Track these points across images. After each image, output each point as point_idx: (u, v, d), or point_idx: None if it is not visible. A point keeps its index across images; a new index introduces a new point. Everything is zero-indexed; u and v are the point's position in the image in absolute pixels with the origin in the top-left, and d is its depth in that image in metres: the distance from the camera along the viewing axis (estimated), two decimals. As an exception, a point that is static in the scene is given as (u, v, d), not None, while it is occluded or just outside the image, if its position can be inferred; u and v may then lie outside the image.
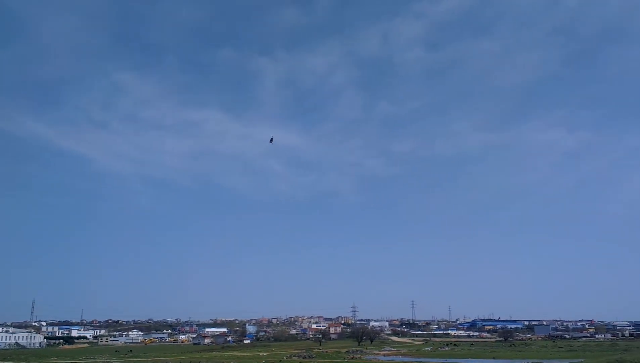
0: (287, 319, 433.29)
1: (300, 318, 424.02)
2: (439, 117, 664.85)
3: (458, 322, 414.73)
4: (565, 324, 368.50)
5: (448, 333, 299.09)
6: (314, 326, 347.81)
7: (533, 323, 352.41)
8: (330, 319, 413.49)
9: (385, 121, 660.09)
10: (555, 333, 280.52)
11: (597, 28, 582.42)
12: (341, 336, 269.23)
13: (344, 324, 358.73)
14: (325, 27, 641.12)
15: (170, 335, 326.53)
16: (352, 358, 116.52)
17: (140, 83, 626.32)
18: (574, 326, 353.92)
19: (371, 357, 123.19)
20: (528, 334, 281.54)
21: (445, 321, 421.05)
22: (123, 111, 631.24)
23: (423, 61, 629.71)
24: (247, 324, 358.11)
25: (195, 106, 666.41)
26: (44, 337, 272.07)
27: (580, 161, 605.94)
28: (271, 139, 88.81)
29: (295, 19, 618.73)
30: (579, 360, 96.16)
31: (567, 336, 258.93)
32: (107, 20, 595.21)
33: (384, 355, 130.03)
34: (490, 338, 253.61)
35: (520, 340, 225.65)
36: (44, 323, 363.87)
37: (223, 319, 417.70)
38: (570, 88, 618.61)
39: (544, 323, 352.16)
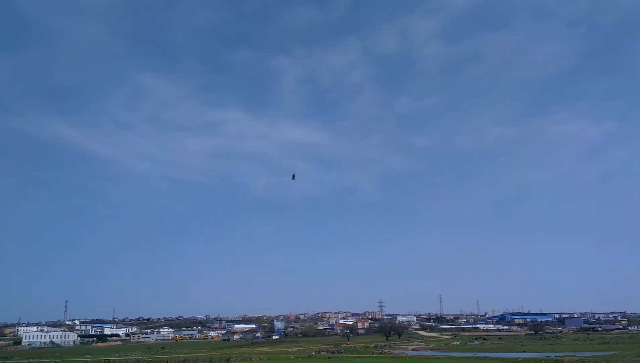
0: (314, 315, 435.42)
1: (327, 314, 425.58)
2: (459, 112, 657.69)
3: (487, 315, 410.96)
4: (597, 316, 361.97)
5: (477, 327, 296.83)
6: (341, 321, 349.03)
7: (564, 316, 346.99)
8: (358, 314, 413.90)
9: (405, 117, 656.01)
10: (587, 325, 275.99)
11: (617, 17, 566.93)
12: (369, 331, 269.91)
13: (371, 319, 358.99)
14: (342, 25, 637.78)
15: (200, 331, 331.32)
16: (380, 353, 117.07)
17: (162, 85, 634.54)
18: (606, 318, 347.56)
19: (400, 351, 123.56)
20: (559, 327, 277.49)
21: (473, 315, 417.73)
22: (146, 113, 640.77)
23: (441, 56, 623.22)
24: (275, 320, 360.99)
25: (216, 106, 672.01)
26: (78, 336, 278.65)
27: (605, 152, 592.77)
28: (293, 176, 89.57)
29: (312, 18, 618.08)
30: (612, 352, 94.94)
31: (599, 328, 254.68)
32: (128, 24, 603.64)
33: (413, 350, 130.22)
34: (520, 331, 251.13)
35: (550, 333, 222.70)
36: (77, 322, 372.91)
37: (251, 315, 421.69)
38: (592, 79, 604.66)
39: (575, 315, 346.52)
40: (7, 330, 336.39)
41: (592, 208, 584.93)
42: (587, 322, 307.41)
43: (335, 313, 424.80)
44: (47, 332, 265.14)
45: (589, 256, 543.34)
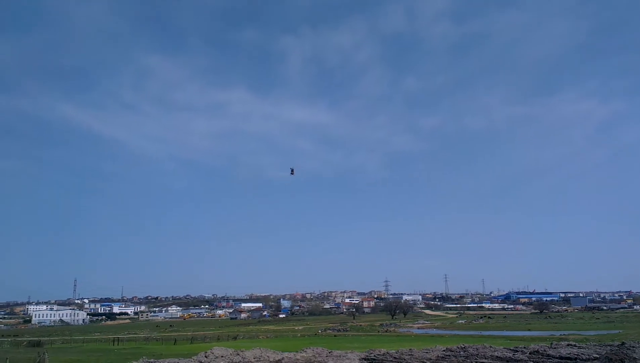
0: (320, 294, 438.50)
1: (333, 293, 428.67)
2: (467, 92, 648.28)
3: (492, 295, 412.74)
4: (602, 295, 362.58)
5: (482, 306, 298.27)
6: (347, 300, 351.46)
7: (569, 295, 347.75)
8: (363, 294, 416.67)
9: (412, 97, 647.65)
10: (592, 304, 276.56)
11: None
12: (374, 310, 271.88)
13: (377, 298, 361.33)
14: (348, 3, 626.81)
15: (207, 310, 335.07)
16: (386, 331, 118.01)
17: (167, 66, 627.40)
18: (611, 297, 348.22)
19: (405, 330, 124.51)
20: (564, 306, 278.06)
21: (479, 294, 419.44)
22: (152, 94, 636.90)
23: (449, 35, 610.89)
24: (281, 299, 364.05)
25: (221, 86, 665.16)
26: (87, 314, 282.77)
27: (615, 131, 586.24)
28: (292, 171, 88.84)
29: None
30: (617, 331, 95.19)
31: (605, 307, 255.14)
32: (133, 4, 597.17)
33: (418, 328, 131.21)
34: (525, 310, 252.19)
35: (556, 312, 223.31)
36: (86, 301, 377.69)
37: (258, 294, 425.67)
38: (602, 57, 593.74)
39: (580, 295, 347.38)
40: (17, 309, 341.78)
41: (598, 188, 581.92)
42: (592, 301, 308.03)
43: (341, 292, 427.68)
44: (56, 310, 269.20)
45: (595, 235, 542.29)
